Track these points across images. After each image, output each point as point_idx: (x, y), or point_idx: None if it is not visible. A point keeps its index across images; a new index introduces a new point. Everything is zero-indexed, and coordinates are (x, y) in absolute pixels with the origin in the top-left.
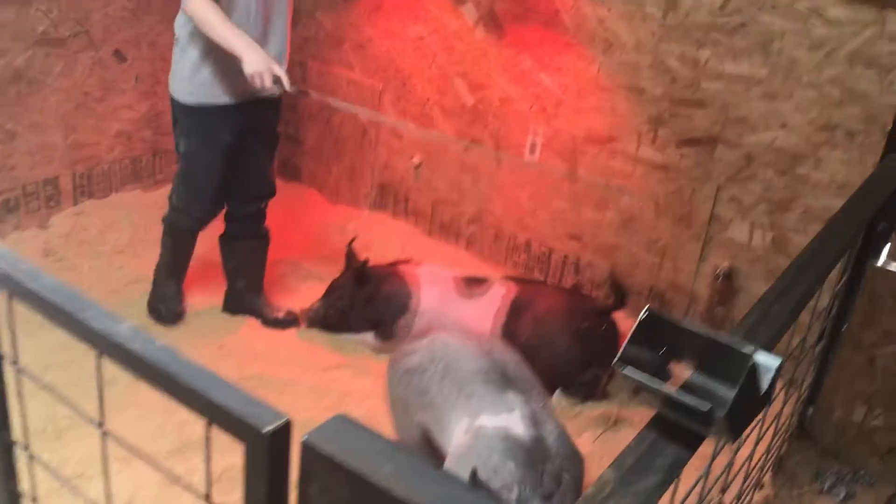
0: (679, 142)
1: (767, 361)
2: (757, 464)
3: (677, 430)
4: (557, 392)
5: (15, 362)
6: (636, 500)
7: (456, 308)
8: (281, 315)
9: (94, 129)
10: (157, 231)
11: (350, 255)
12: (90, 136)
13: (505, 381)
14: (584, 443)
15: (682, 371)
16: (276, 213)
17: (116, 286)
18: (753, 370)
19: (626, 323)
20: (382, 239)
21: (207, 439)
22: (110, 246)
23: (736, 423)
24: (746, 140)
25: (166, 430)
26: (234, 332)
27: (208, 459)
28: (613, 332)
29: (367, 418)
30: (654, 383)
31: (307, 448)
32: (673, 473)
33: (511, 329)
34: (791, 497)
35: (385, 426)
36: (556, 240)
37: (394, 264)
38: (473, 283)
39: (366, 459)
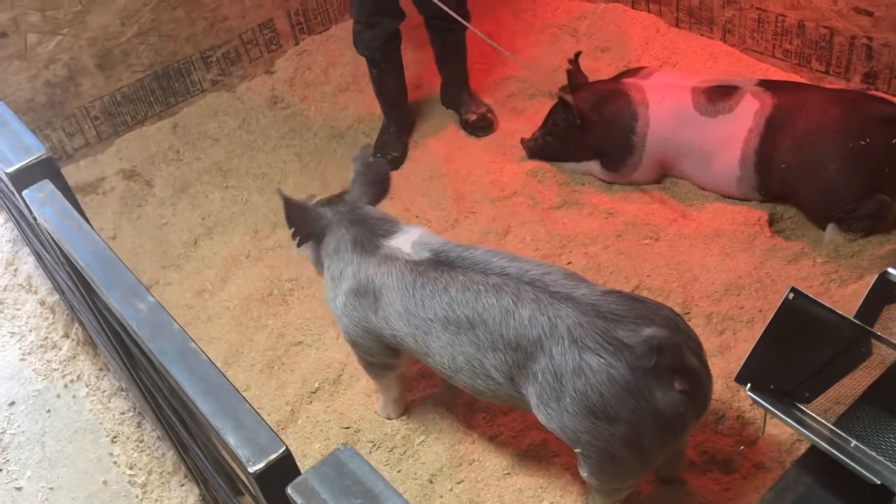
0: None
1: None
2: None
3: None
4: (830, 227)
5: None
6: None
7: (695, 130)
8: (473, 118)
9: None
10: None
11: (573, 72)
12: None
13: None
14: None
15: None
16: (504, 19)
17: (341, 128)
18: None
19: None
20: (619, 37)
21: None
22: (334, 84)
23: None
24: None
25: None
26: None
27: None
28: None
29: (590, 269)
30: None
31: None
32: None
33: (766, 154)
34: None
35: (611, 276)
36: (838, 17)
37: (620, 77)
38: (718, 96)
39: None
